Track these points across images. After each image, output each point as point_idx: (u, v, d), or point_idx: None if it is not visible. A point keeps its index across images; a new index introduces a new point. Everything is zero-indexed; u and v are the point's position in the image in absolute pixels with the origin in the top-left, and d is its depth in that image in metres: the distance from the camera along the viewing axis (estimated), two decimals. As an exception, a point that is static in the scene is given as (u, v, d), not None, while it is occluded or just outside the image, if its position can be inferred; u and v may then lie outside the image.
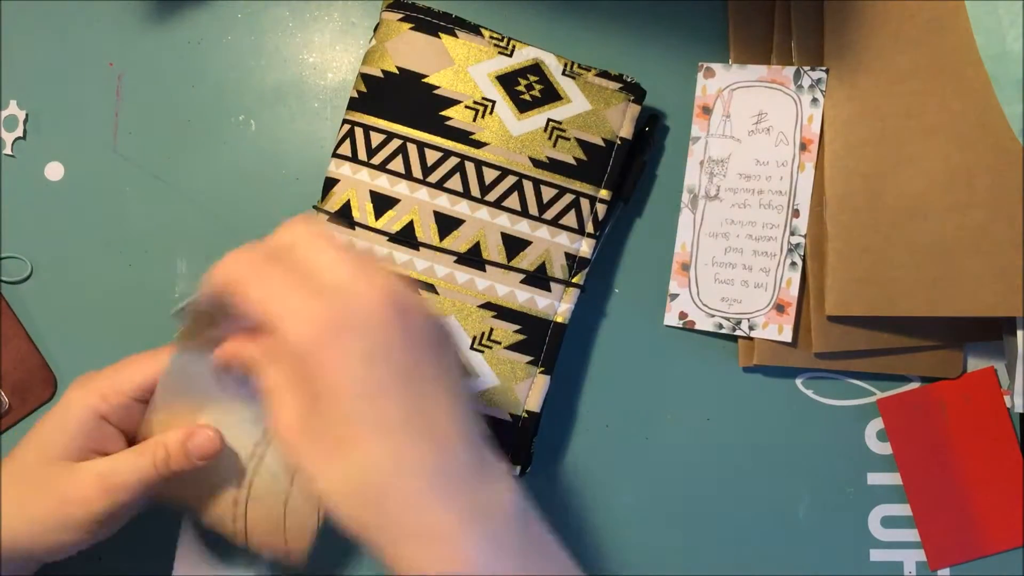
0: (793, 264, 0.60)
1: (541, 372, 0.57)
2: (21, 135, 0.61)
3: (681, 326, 0.61)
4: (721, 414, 0.62)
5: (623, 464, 0.62)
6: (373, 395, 0.41)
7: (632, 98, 0.58)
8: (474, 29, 0.58)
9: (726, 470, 0.62)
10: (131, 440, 0.51)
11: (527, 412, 0.57)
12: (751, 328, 0.60)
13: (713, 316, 0.61)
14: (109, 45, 0.61)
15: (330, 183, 0.57)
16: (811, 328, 0.60)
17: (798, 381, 0.62)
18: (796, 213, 0.60)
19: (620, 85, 0.58)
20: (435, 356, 0.43)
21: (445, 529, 0.41)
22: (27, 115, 0.61)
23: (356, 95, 0.58)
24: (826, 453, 0.62)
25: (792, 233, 0.60)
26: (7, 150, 0.61)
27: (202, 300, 0.44)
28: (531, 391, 0.57)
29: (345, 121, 0.58)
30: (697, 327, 0.61)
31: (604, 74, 0.58)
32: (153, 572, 0.60)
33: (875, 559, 0.62)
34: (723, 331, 0.60)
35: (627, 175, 0.59)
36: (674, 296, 0.61)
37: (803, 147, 0.60)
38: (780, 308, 0.60)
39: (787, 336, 0.60)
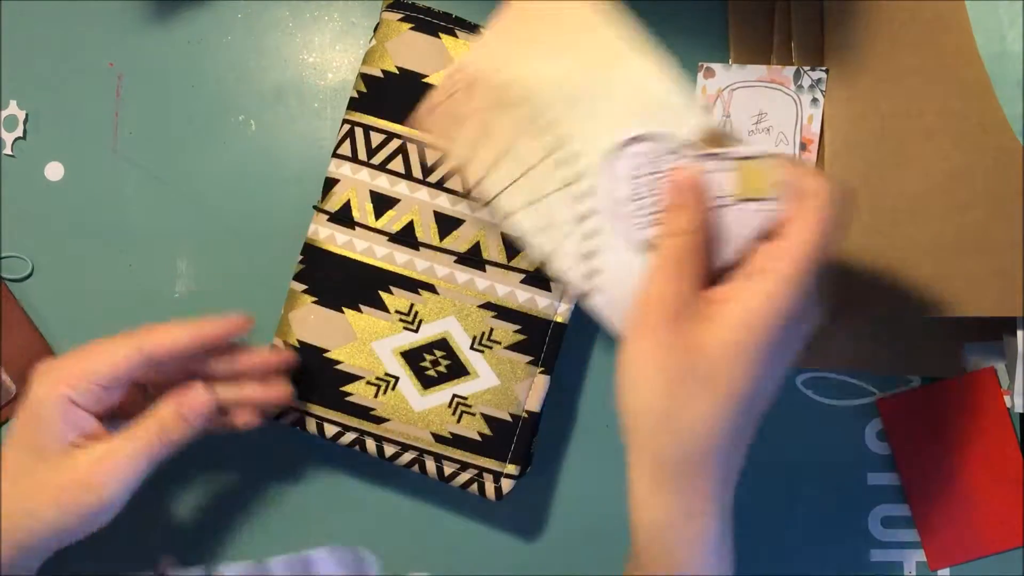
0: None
1: (541, 372, 0.57)
2: (21, 135, 0.61)
3: None
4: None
5: (623, 464, 0.62)
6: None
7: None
8: (474, 29, 0.58)
9: (726, 470, 0.62)
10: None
11: (527, 412, 0.57)
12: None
13: None
14: (109, 45, 0.61)
15: (330, 183, 0.57)
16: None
17: (798, 381, 0.62)
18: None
19: None
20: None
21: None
22: (27, 115, 0.61)
23: (356, 95, 0.58)
24: (826, 453, 0.62)
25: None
26: (7, 150, 0.61)
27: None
28: (531, 391, 0.57)
29: (345, 121, 0.58)
30: None
31: None
32: (149, 571, 0.61)
33: (875, 559, 0.62)
34: None
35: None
36: None
37: (803, 147, 0.60)
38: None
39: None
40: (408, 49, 0.57)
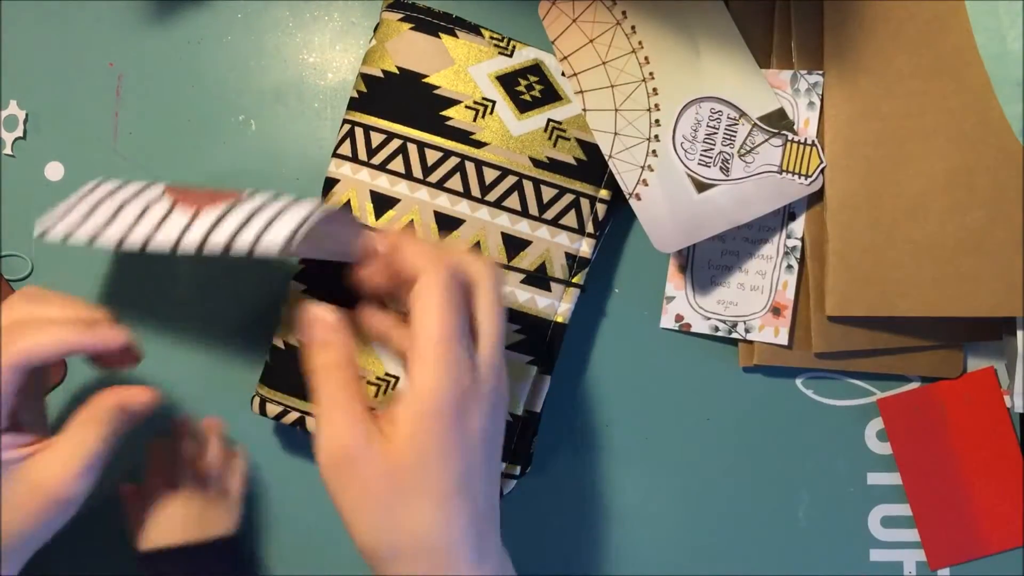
0: (789, 267, 0.60)
1: (541, 372, 0.57)
2: (21, 135, 0.61)
3: (677, 329, 0.61)
4: (721, 414, 0.62)
5: (623, 464, 0.62)
6: (468, 476, 0.44)
7: None
8: (474, 29, 0.58)
9: (726, 470, 0.62)
10: None
11: (527, 412, 0.57)
12: (747, 331, 0.60)
13: (709, 319, 0.61)
14: (109, 45, 0.61)
15: (330, 183, 0.57)
16: (811, 328, 0.60)
17: (798, 381, 0.62)
18: (792, 216, 0.60)
19: None
20: (494, 436, 0.46)
21: None
22: (27, 115, 0.61)
23: (356, 95, 0.58)
24: (826, 453, 0.62)
25: (788, 236, 0.60)
26: (7, 150, 0.61)
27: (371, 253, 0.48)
28: (532, 391, 0.57)
29: (345, 121, 0.58)
30: (693, 330, 0.61)
31: None
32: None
33: (875, 559, 0.62)
34: (719, 334, 0.60)
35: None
36: (670, 299, 0.61)
37: None
38: (776, 311, 0.60)
39: (783, 339, 0.60)
40: (408, 49, 0.57)
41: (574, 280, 0.58)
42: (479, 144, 0.57)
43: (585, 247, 0.58)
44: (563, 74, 0.58)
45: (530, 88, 0.58)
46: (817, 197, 0.59)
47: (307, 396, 0.56)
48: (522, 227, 0.57)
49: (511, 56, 0.58)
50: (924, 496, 0.61)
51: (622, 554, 0.61)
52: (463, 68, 0.57)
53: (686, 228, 0.58)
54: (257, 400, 0.57)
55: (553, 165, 0.58)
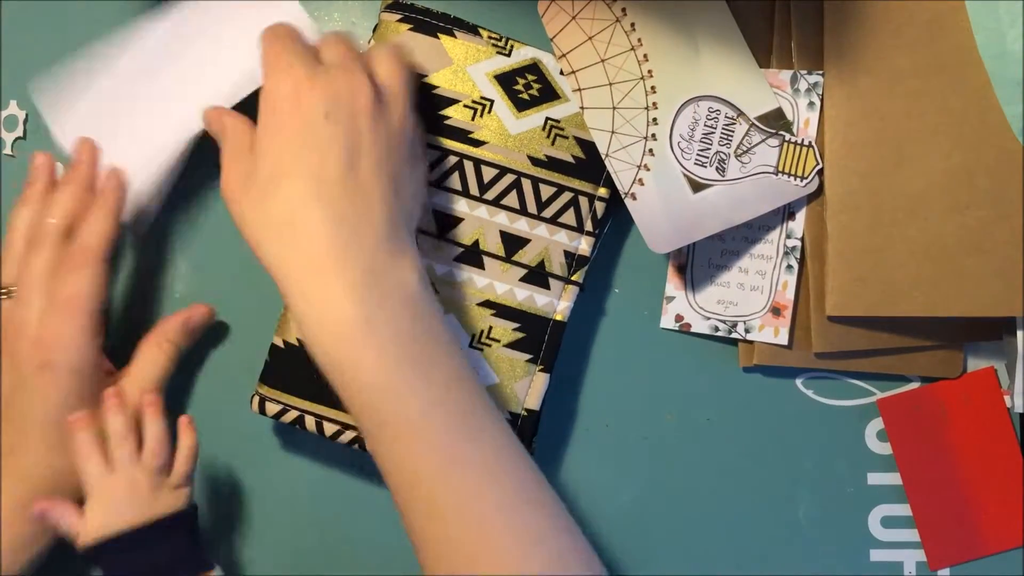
0: (789, 267, 0.60)
1: (540, 370, 0.57)
2: (21, 135, 0.61)
3: (677, 329, 0.61)
4: (721, 414, 0.62)
5: (623, 464, 0.62)
6: (318, 149, 0.48)
7: None
8: (472, 29, 0.58)
9: (726, 470, 0.62)
10: None
11: (527, 410, 0.57)
12: (747, 331, 0.60)
13: (709, 319, 0.61)
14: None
15: None
16: (811, 328, 0.60)
17: (798, 381, 0.62)
18: (791, 216, 0.60)
19: None
20: (395, 153, 0.50)
21: (335, 292, 0.46)
22: (27, 115, 0.61)
23: None
24: (826, 453, 0.62)
25: (788, 236, 0.60)
26: (7, 150, 0.61)
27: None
28: (530, 389, 0.57)
29: None
30: (693, 330, 0.61)
31: None
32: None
33: (875, 559, 0.62)
34: (719, 334, 0.60)
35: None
36: (670, 299, 0.61)
37: None
38: (776, 311, 0.60)
39: (783, 339, 0.60)
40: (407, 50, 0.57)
41: (573, 278, 0.58)
42: (477, 143, 0.57)
43: (584, 245, 0.58)
44: (561, 72, 0.58)
45: (528, 87, 0.58)
46: (817, 197, 0.59)
47: (307, 395, 0.56)
48: (521, 225, 0.57)
49: (509, 55, 0.58)
50: (924, 496, 0.61)
51: (622, 554, 0.61)
52: (461, 68, 0.57)
53: (681, 228, 0.58)
54: (256, 399, 0.57)
55: (551, 163, 0.58)
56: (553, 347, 0.58)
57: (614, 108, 0.58)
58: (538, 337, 0.57)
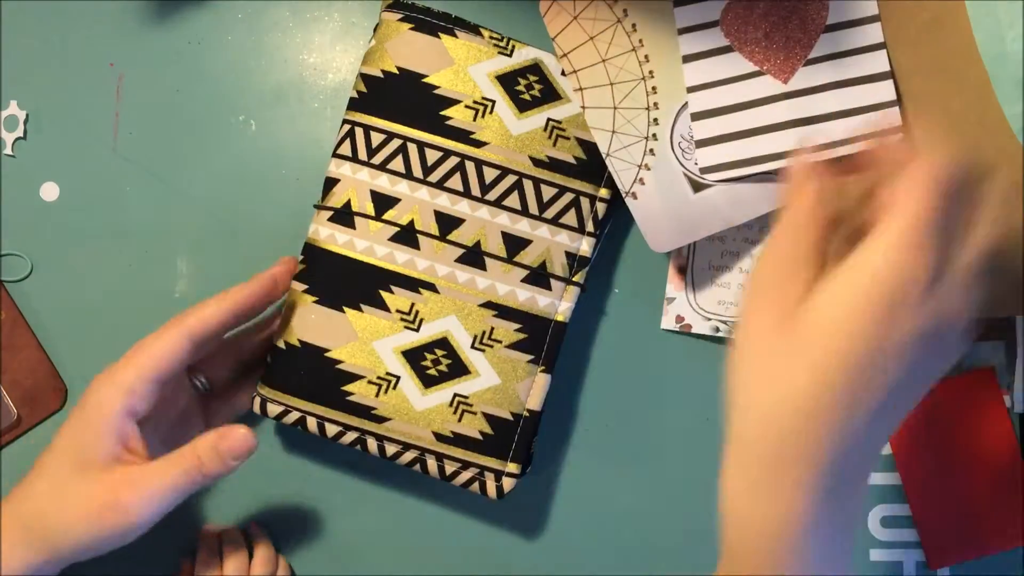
0: (790, 267, 0.60)
1: (542, 371, 0.57)
2: (21, 135, 0.61)
3: (678, 330, 0.61)
4: (721, 414, 0.62)
5: (623, 464, 0.62)
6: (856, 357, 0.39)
7: None
8: (474, 29, 0.58)
9: (726, 470, 0.62)
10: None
11: (528, 411, 0.57)
12: (749, 330, 0.60)
13: (710, 320, 0.61)
14: (109, 45, 0.61)
15: (330, 183, 0.57)
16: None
17: (798, 381, 0.62)
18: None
19: None
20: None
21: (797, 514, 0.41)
22: (27, 115, 0.61)
23: (356, 95, 0.58)
24: (826, 453, 0.62)
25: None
26: (7, 150, 0.61)
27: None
28: (532, 390, 0.57)
29: (345, 121, 0.58)
30: (694, 331, 0.61)
31: None
32: (154, 572, 0.61)
33: (875, 559, 0.62)
34: (720, 335, 0.60)
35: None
36: (671, 300, 0.61)
37: None
38: (779, 309, 0.60)
39: (784, 338, 0.60)
40: (408, 49, 0.57)
41: (575, 279, 0.58)
42: (479, 143, 0.57)
43: (585, 246, 0.58)
44: (563, 72, 0.58)
45: (530, 88, 0.58)
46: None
47: (309, 396, 0.56)
48: (522, 226, 0.57)
49: (510, 56, 0.58)
50: (924, 496, 0.61)
51: (622, 554, 0.61)
52: (463, 68, 0.57)
53: (681, 228, 0.58)
54: (258, 400, 0.57)
55: (553, 164, 0.58)
56: (554, 348, 0.58)
57: (615, 108, 0.58)
58: (540, 338, 0.57)
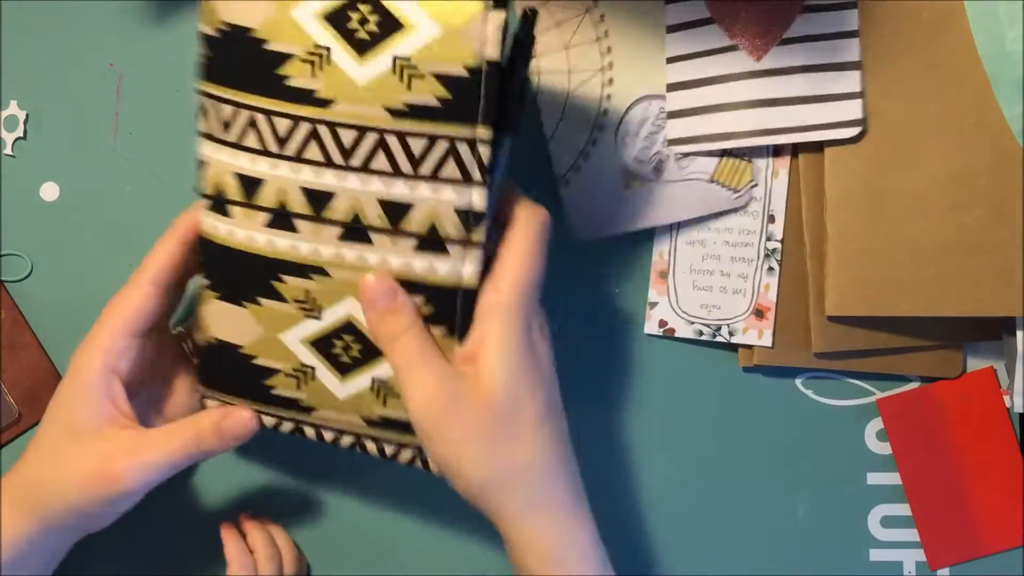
0: (770, 269, 0.60)
1: (459, 341, 0.50)
2: (21, 135, 0.61)
3: (661, 334, 0.61)
4: (721, 414, 0.62)
5: (623, 464, 0.62)
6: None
7: (491, 2, 0.47)
8: None
9: (726, 470, 0.62)
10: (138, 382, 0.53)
11: None
12: (731, 334, 0.60)
13: (693, 323, 0.61)
14: (109, 45, 0.61)
15: (201, 166, 0.51)
16: (811, 328, 0.60)
17: (798, 381, 0.62)
18: (772, 219, 0.60)
19: None
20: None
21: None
22: (27, 115, 0.61)
23: (201, 60, 0.49)
24: (826, 453, 0.62)
25: (768, 239, 0.60)
26: (7, 150, 0.61)
27: None
28: (456, 361, 0.51)
29: (199, 93, 0.50)
30: (677, 335, 0.61)
31: None
32: (153, 571, 0.61)
33: (875, 559, 0.62)
34: (703, 338, 0.60)
35: (506, 103, 0.49)
36: (653, 304, 0.61)
37: (776, 153, 0.60)
38: (759, 313, 0.60)
39: (767, 341, 0.60)
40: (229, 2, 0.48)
41: (472, 238, 0.49)
42: (324, 103, 0.48)
43: (476, 198, 0.48)
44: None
45: (363, 22, 0.47)
46: (815, 197, 0.59)
47: (236, 392, 0.53)
48: (398, 189, 0.48)
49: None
50: (924, 496, 0.61)
51: (621, 554, 0.61)
52: (285, 11, 0.47)
53: (606, 220, 0.59)
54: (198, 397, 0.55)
55: (414, 111, 0.47)
56: (468, 316, 0.50)
57: (568, 94, 0.59)
58: (448, 308, 0.50)
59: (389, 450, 0.53)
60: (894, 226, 0.58)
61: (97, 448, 0.49)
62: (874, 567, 0.62)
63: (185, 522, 0.61)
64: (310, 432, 0.53)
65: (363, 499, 0.61)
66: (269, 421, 0.53)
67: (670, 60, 0.59)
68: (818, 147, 0.59)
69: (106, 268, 0.61)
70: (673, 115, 0.59)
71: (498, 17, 0.46)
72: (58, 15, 0.61)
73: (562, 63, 0.59)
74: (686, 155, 0.59)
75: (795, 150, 0.60)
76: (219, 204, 0.50)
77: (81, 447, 0.49)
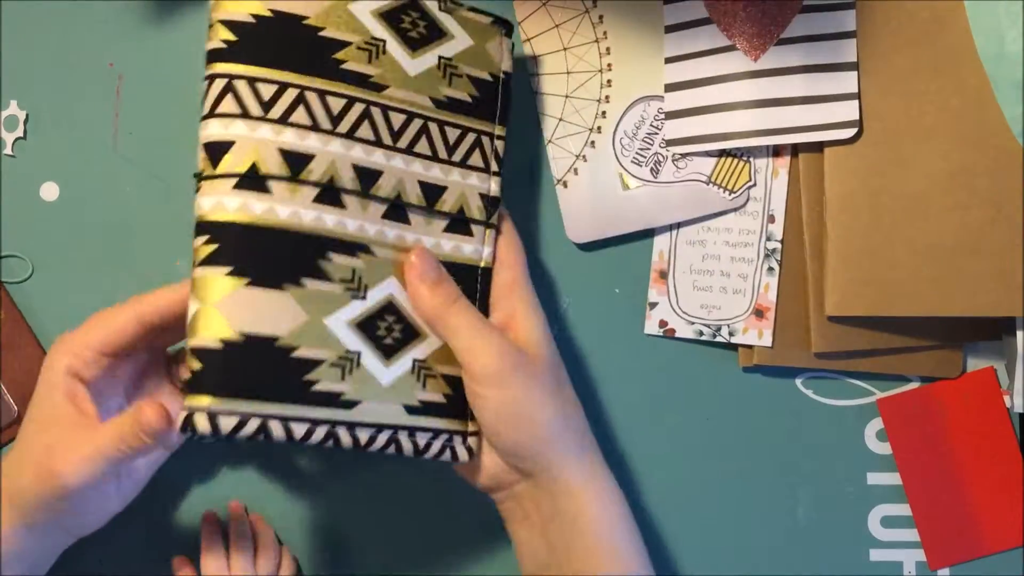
0: (770, 269, 0.60)
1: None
2: (21, 135, 0.61)
3: (661, 334, 0.61)
4: (721, 414, 0.62)
5: (623, 464, 0.62)
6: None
7: (504, 31, 0.57)
8: None
9: (726, 470, 0.62)
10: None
11: None
12: (731, 334, 0.60)
13: (693, 323, 0.61)
14: (109, 45, 0.61)
15: (221, 147, 0.49)
16: (811, 328, 0.60)
17: (798, 381, 0.62)
18: (771, 219, 0.60)
19: (491, 19, 0.56)
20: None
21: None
22: (27, 115, 0.61)
23: (223, 45, 0.49)
24: (826, 453, 0.62)
25: (768, 239, 0.60)
26: (7, 150, 0.61)
27: None
28: None
29: (216, 76, 0.49)
30: (677, 335, 0.61)
31: (474, 9, 0.56)
32: (154, 573, 0.61)
33: (875, 559, 0.62)
34: (703, 338, 0.60)
35: (507, 109, 0.57)
36: (653, 304, 0.61)
37: (776, 153, 0.60)
38: (759, 313, 0.60)
39: (767, 341, 0.60)
40: None
41: (492, 221, 0.55)
42: (379, 87, 0.52)
43: (494, 186, 0.56)
44: (440, 9, 0.55)
45: (415, 24, 0.54)
46: (815, 197, 0.59)
47: (267, 396, 0.48)
48: (436, 172, 0.54)
49: (365, 299, 0.51)
50: (924, 496, 0.61)
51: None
52: (343, 6, 0.52)
53: (603, 222, 0.60)
54: (202, 416, 0.46)
55: (452, 104, 0.54)
56: (485, 295, 0.55)
57: (567, 96, 0.59)
58: (470, 287, 0.54)
59: (422, 442, 0.52)
60: (894, 226, 0.58)
61: (44, 443, 0.50)
62: (874, 567, 0.62)
63: (182, 523, 0.61)
64: (345, 437, 0.49)
65: (360, 501, 0.61)
66: (299, 430, 0.48)
67: (668, 60, 0.59)
68: (818, 147, 0.59)
69: (106, 268, 0.61)
70: (671, 115, 0.59)
71: (508, 41, 0.57)
72: (58, 15, 0.61)
73: (561, 64, 0.59)
74: (684, 155, 0.59)
75: (795, 150, 0.60)
76: (256, 181, 0.49)
77: (42, 439, 0.50)
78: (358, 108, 0.51)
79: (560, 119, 0.59)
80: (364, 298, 0.51)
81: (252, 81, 0.49)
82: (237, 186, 0.48)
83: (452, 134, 0.54)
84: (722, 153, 0.59)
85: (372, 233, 0.51)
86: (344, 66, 0.51)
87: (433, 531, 0.62)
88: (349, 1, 0.52)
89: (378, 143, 0.52)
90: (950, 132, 0.57)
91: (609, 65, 0.59)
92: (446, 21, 0.55)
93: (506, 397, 0.51)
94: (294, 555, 0.61)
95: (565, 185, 0.59)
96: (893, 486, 0.62)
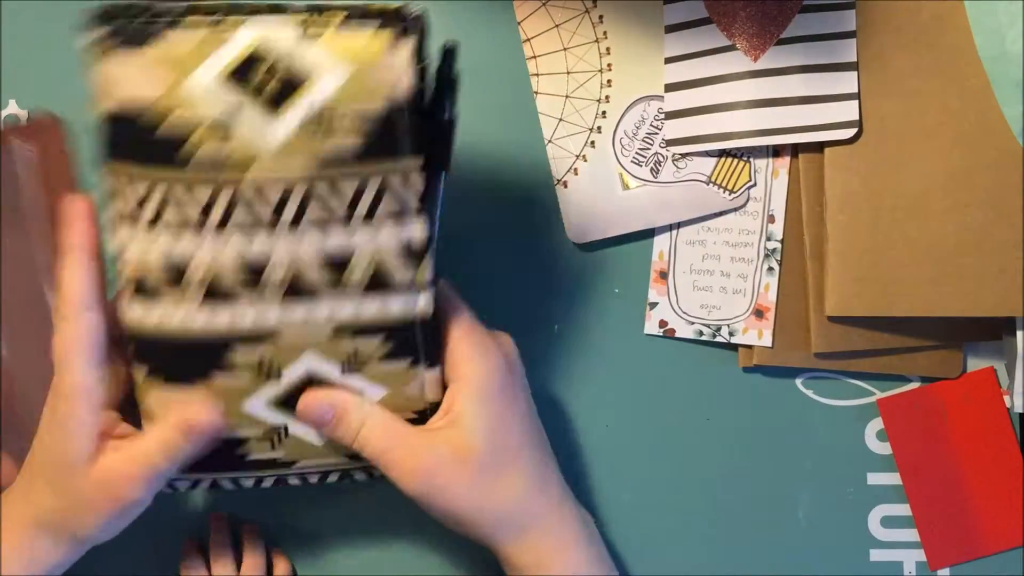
0: (770, 269, 0.60)
1: (427, 367, 0.50)
2: (21, 135, 0.61)
3: (661, 335, 0.61)
4: (721, 414, 0.62)
5: (623, 464, 0.62)
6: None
7: (398, 31, 0.45)
8: (183, 17, 0.45)
9: (726, 470, 0.62)
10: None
11: (429, 403, 0.51)
12: (731, 334, 0.60)
13: (693, 323, 0.61)
14: (109, 45, 0.61)
15: (117, 255, 0.48)
16: (811, 328, 0.60)
17: (798, 381, 0.62)
18: (771, 219, 0.60)
19: (379, 22, 0.45)
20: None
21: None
22: (27, 115, 0.61)
23: (103, 140, 0.47)
24: (826, 453, 0.62)
25: (768, 239, 0.60)
26: (7, 150, 0.61)
27: None
28: (426, 385, 0.51)
29: (106, 174, 0.47)
30: (677, 335, 0.61)
31: (355, 14, 0.45)
32: (154, 573, 0.61)
33: (875, 559, 0.62)
34: (703, 338, 0.60)
35: (435, 136, 0.48)
36: (653, 304, 0.61)
37: (776, 153, 0.60)
38: (759, 313, 0.60)
39: (767, 341, 0.60)
40: (123, 75, 0.46)
41: (418, 278, 0.48)
42: (243, 165, 0.45)
43: (417, 231, 0.47)
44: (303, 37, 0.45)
45: (271, 75, 0.45)
46: (815, 197, 0.59)
47: (209, 468, 0.51)
48: (337, 239, 0.47)
49: (229, 42, 0.45)
50: (924, 496, 0.61)
51: (622, 554, 0.61)
52: (181, 80, 0.45)
53: (604, 222, 0.60)
54: None
55: (339, 156, 0.45)
56: (431, 341, 0.49)
57: (567, 96, 0.59)
58: (410, 341, 0.49)
59: (378, 472, 0.51)
60: (894, 226, 0.58)
61: (92, 471, 0.48)
62: (874, 567, 0.62)
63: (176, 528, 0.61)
64: (294, 481, 0.53)
65: (357, 501, 0.62)
66: (248, 482, 0.52)
67: (668, 60, 0.59)
68: (818, 147, 0.59)
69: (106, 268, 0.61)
70: (671, 115, 0.59)
71: (407, 45, 0.45)
72: (58, 15, 0.61)
73: (561, 64, 0.59)
74: (684, 156, 0.59)
75: (795, 150, 0.60)
76: (145, 291, 0.47)
77: (79, 474, 0.48)
78: (225, 195, 0.45)
79: (560, 119, 0.59)
80: (279, 378, 0.49)
81: (125, 180, 0.46)
82: (135, 294, 0.48)
83: (348, 188, 0.46)
84: (722, 153, 0.59)
85: (273, 321, 0.47)
86: (199, 154, 0.45)
87: (433, 530, 0.62)
88: (190, 70, 0.45)
89: (258, 225, 0.46)
90: (950, 132, 0.57)
91: (609, 65, 0.59)
92: (311, 55, 0.44)
93: (436, 507, 0.50)
94: (289, 558, 0.61)
95: (565, 185, 0.59)
96: (893, 486, 0.62)
